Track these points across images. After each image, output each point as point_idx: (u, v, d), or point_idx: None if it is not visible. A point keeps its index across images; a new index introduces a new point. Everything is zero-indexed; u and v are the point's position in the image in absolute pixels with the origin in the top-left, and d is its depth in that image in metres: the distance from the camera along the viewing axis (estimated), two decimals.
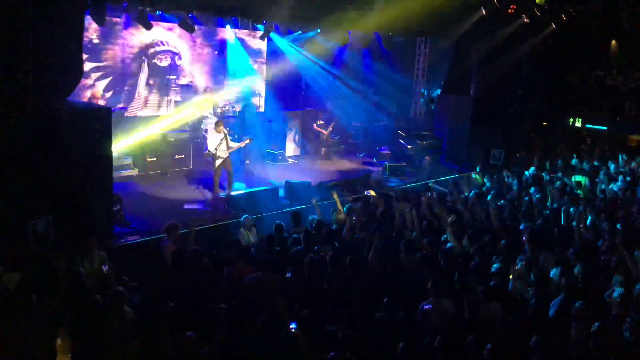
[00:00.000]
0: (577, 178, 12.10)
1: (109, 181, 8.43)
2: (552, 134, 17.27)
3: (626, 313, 5.27)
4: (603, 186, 11.28)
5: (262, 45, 16.40)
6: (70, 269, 5.90)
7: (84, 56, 9.29)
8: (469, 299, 5.48)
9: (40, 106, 7.36)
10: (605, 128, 17.75)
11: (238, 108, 14.48)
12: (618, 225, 8.09)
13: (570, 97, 18.10)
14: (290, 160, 14.66)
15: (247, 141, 11.56)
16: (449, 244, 7.30)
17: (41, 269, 5.73)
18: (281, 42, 16.49)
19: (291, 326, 4.75)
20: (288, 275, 6.33)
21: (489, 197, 9.83)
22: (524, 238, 7.35)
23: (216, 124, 11.01)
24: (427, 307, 5.39)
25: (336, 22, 14.05)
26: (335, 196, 9.37)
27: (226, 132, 10.88)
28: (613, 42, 17.56)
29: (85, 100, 11.80)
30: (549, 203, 9.92)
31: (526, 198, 10.08)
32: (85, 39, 9.21)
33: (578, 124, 18.38)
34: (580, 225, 8.13)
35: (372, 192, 11.04)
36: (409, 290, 5.93)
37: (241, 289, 5.99)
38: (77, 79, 8.51)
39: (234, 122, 13.58)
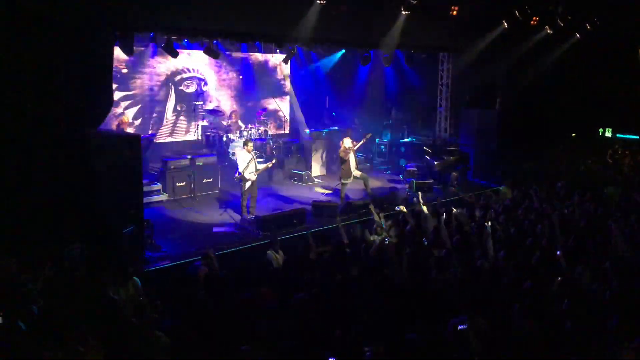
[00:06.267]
0: (610, 189, 11.83)
1: (139, 207, 8.60)
2: (581, 146, 16.93)
3: None
4: None
5: (286, 68, 16.64)
6: (104, 297, 5.96)
7: (114, 86, 9.54)
8: (504, 316, 5.35)
9: (72, 135, 7.58)
10: (637, 137, 17.36)
11: (266, 130, 14.64)
12: None
13: (599, 107, 17.76)
14: (316, 180, 14.69)
15: (274, 162, 11.72)
16: (479, 261, 7.17)
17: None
18: (305, 64, 16.71)
19: None
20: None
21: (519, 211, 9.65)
22: (558, 253, 7.18)
23: (245, 143, 11.06)
24: (461, 327, 5.27)
25: (358, 42, 14.14)
26: (372, 209, 9.37)
27: (254, 153, 10.96)
28: None
29: (115, 127, 12.08)
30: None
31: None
32: (114, 69, 9.48)
33: (608, 134, 18.03)
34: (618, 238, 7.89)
35: (403, 208, 10.93)
36: (441, 309, 5.82)
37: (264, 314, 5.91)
38: (108, 108, 8.75)
39: (259, 145, 13.72)
